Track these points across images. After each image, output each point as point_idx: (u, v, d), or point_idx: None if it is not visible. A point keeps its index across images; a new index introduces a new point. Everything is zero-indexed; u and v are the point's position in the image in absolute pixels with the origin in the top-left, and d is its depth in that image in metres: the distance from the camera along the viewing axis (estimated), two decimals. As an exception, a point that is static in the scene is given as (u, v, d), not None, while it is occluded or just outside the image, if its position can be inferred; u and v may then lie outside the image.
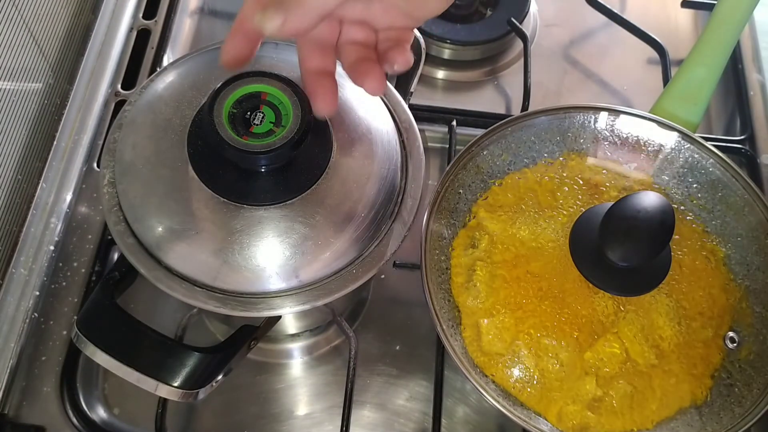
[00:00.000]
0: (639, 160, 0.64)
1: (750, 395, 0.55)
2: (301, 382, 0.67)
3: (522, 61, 0.82)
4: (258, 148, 0.46)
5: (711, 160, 0.62)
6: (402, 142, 0.59)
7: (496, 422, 0.65)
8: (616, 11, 0.85)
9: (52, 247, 0.69)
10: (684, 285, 0.57)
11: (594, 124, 0.64)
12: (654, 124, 0.64)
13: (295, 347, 0.68)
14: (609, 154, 0.64)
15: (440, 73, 0.85)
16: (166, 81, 0.55)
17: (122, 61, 0.81)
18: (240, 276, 0.49)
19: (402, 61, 0.44)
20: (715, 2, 0.73)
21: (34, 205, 0.70)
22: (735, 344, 0.57)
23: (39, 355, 0.64)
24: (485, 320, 0.56)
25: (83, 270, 0.68)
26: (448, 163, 0.64)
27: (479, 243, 0.60)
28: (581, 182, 0.62)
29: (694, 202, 0.62)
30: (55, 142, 0.74)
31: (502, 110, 0.82)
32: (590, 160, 0.64)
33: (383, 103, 0.61)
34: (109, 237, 0.69)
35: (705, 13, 0.90)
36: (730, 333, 0.57)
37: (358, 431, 0.63)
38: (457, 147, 0.75)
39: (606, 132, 0.64)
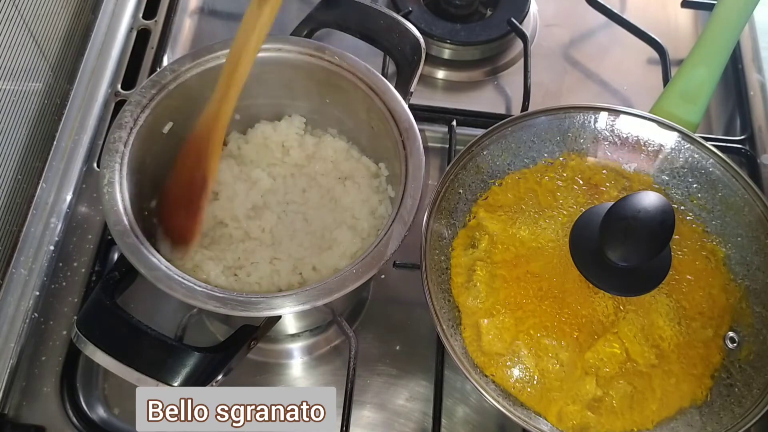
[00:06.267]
0: (639, 160, 0.64)
1: (750, 395, 0.55)
2: (301, 382, 0.66)
3: (522, 61, 0.82)
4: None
5: (711, 160, 0.62)
6: (402, 142, 0.59)
7: (496, 422, 0.65)
8: (616, 11, 0.85)
9: (52, 247, 0.69)
10: (684, 285, 0.57)
11: (594, 124, 0.64)
12: (654, 124, 0.64)
13: (295, 347, 0.68)
14: (609, 154, 0.64)
15: (440, 73, 0.85)
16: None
17: (122, 61, 0.81)
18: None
19: None
20: (715, 2, 0.73)
21: (34, 205, 0.70)
22: (735, 344, 0.57)
23: (39, 355, 0.64)
24: (485, 320, 0.56)
25: (83, 270, 0.68)
26: (448, 163, 0.64)
27: (479, 243, 0.60)
28: (581, 182, 0.62)
29: (694, 202, 0.62)
30: (55, 142, 0.74)
31: (502, 110, 0.82)
32: (590, 160, 0.64)
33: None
34: (109, 237, 0.69)
35: (705, 13, 0.90)
36: (730, 333, 0.57)
37: (358, 431, 0.63)
38: (457, 147, 0.75)
39: (606, 132, 0.64)
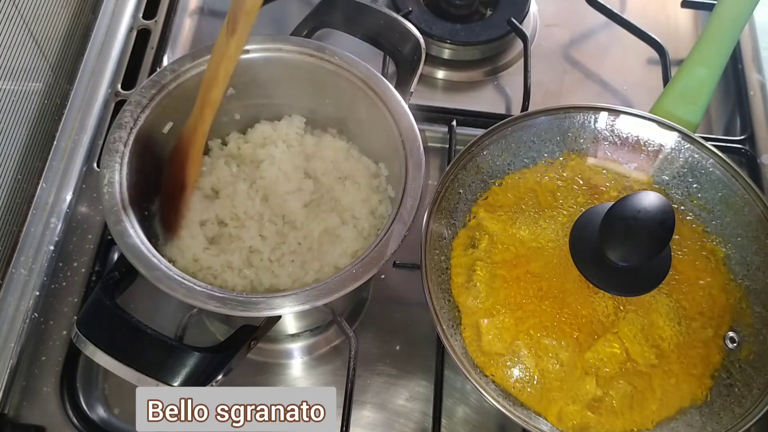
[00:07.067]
0: (639, 160, 0.64)
1: (750, 395, 0.55)
2: (301, 382, 0.66)
3: (522, 61, 0.82)
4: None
5: (711, 160, 0.62)
6: (402, 142, 0.59)
7: (496, 422, 0.65)
8: (616, 11, 0.85)
9: (52, 247, 0.69)
10: (684, 285, 0.57)
11: (594, 124, 0.64)
12: (654, 124, 0.64)
13: (295, 347, 0.68)
14: (609, 154, 0.64)
15: (440, 73, 0.85)
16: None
17: (122, 61, 0.81)
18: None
19: None
20: (715, 2, 0.73)
21: (34, 205, 0.70)
22: (735, 344, 0.57)
23: (39, 355, 0.64)
24: (485, 320, 0.56)
25: (83, 270, 0.68)
26: (448, 163, 0.64)
27: (479, 243, 0.60)
28: (581, 182, 0.62)
29: (694, 202, 0.62)
30: (55, 142, 0.74)
31: (502, 110, 0.82)
32: (590, 160, 0.64)
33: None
34: (109, 237, 0.69)
35: (705, 13, 0.90)
36: (730, 333, 0.57)
37: (358, 431, 0.63)
38: (457, 147, 0.75)
39: (606, 132, 0.64)
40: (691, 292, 0.57)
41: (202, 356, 0.49)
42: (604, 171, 0.63)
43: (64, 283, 0.68)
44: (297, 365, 0.67)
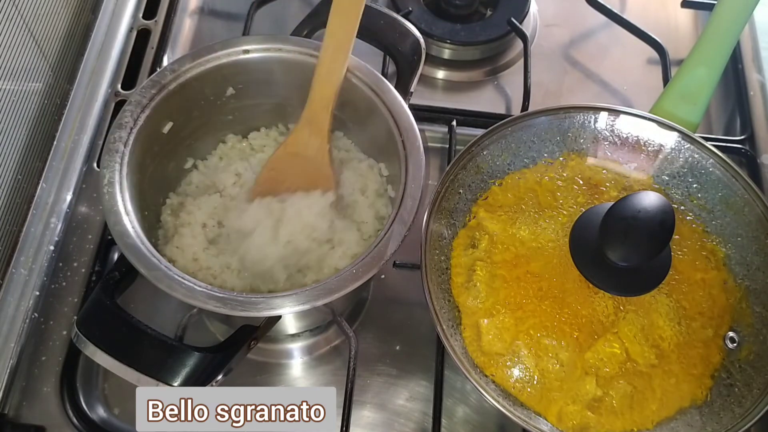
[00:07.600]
0: (639, 160, 0.64)
1: (750, 395, 0.55)
2: (301, 382, 0.66)
3: (522, 61, 0.82)
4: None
5: (711, 160, 0.62)
6: (402, 142, 0.59)
7: (496, 422, 0.65)
8: (616, 11, 0.85)
9: (52, 247, 0.69)
10: (684, 285, 0.57)
11: (594, 124, 0.64)
12: (654, 124, 0.64)
13: (295, 347, 0.68)
14: (609, 154, 0.64)
15: (440, 73, 0.85)
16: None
17: (122, 61, 0.81)
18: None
19: None
20: (715, 2, 0.73)
21: (34, 205, 0.70)
22: (735, 344, 0.57)
23: (39, 355, 0.64)
24: (485, 320, 0.56)
25: (83, 270, 0.68)
26: (448, 163, 0.64)
27: (479, 243, 0.60)
28: (581, 182, 0.62)
29: (694, 202, 0.62)
30: (55, 142, 0.74)
31: (502, 110, 0.82)
32: (590, 160, 0.64)
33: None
34: (109, 237, 0.69)
35: (705, 13, 0.90)
36: (730, 333, 0.57)
37: (358, 431, 0.63)
38: (457, 147, 0.75)
39: (606, 132, 0.64)
40: (691, 292, 0.57)
41: (202, 356, 0.49)
42: (604, 171, 0.63)
43: (64, 283, 0.68)
44: (297, 365, 0.68)
